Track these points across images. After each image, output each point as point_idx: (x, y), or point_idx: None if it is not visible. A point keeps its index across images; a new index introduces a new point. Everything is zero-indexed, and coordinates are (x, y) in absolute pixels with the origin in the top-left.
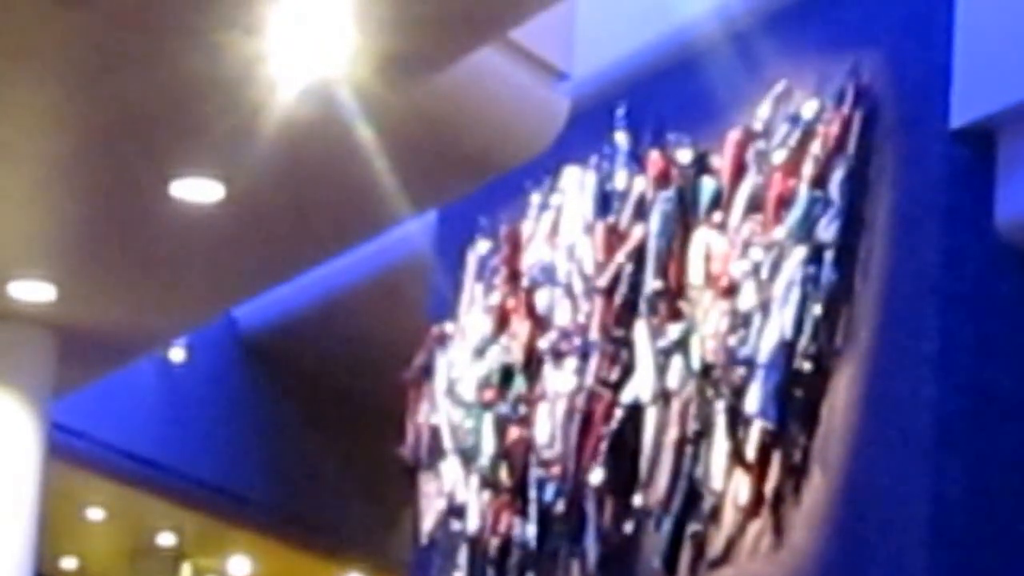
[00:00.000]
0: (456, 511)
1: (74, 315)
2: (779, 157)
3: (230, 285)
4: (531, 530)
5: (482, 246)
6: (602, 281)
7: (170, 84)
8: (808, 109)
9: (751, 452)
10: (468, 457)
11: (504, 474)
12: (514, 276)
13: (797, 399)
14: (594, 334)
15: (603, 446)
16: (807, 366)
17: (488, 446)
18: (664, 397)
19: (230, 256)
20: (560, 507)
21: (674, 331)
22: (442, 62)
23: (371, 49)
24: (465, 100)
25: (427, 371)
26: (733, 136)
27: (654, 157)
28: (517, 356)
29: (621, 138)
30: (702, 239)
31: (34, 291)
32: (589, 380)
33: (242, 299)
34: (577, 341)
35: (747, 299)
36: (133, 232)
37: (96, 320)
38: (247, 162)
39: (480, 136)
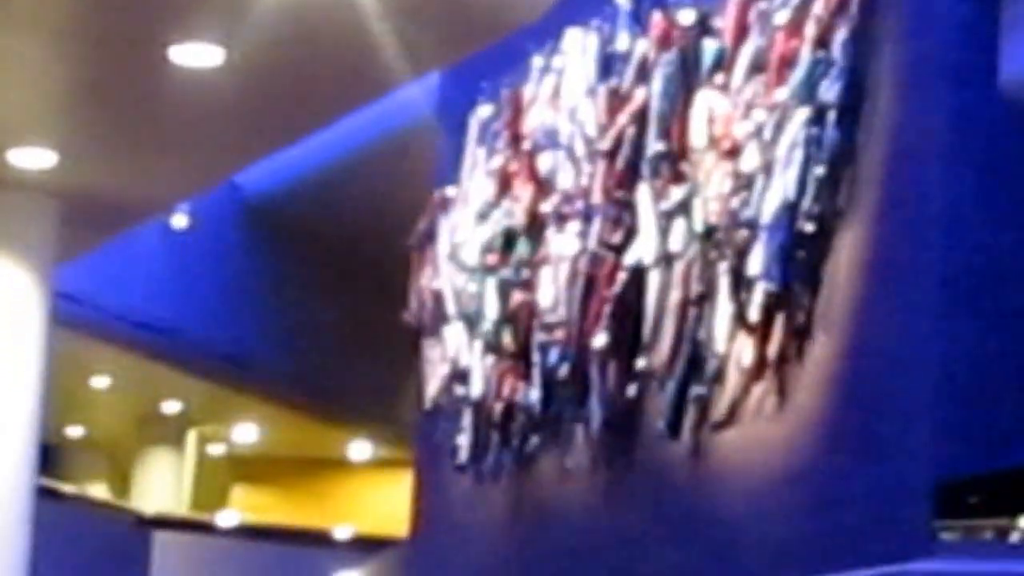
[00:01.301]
0: (460, 376)
1: (75, 181)
2: (782, 17)
3: (231, 150)
4: (535, 394)
5: (484, 110)
6: (605, 144)
7: None
8: None
9: (754, 314)
10: (471, 322)
11: (508, 339)
12: (516, 140)
13: (800, 260)
14: (597, 197)
15: (606, 309)
16: (810, 227)
17: (491, 311)
18: (667, 260)
19: (230, 121)
20: (564, 371)
21: (677, 193)
22: None
23: None
24: None
25: (430, 236)
26: None
27: (656, 19)
28: (520, 220)
29: (623, 0)
30: (704, 101)
31: (35, 158)
32: (592, 243)
33: (243, 165)
34: (580, 204)
35: (750, 161)
36: (133, 98)
37: (97, 186)
38: (246, 25)
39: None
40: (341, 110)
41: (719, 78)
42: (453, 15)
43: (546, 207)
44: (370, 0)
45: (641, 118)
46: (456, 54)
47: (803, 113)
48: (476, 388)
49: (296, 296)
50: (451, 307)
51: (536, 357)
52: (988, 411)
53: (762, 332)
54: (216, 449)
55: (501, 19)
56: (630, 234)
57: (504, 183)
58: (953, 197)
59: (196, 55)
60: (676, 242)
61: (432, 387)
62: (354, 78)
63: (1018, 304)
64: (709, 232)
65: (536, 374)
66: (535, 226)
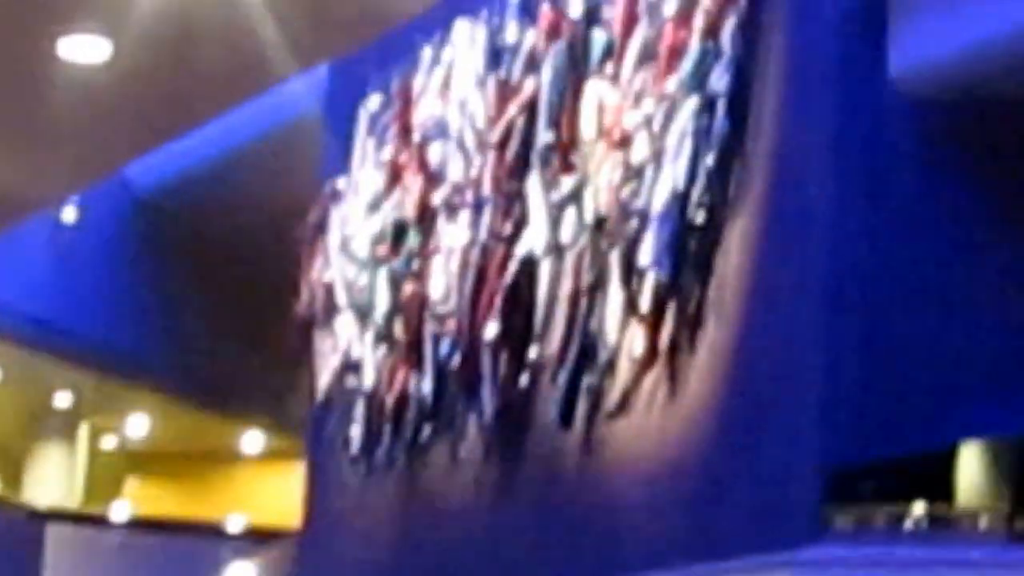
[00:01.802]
0: (352, 367)
1: None
2: (671, 8)
3: (118, 145)
4: (427, 385)
5: (373, 101)
6: (494, 135)
7: None
8: None
9: (645, 304)
10: (363, 313)
11: (399, 329)
12: (406, 131)
13: (691, 250)
14: (487, 188)
15: (497, 300)
16: (700, 217)
17: (382, 302)
18: (558, 250)
19: (117, 116)
20: (455, 362)
21: (567, 184)
22: None
23: None
24: None
25: (321, 228)
26: None
27: (545, 10)
28: (410, 211)
29: None
30: (594, 91)
31: None
32: (483, 234)
33: (130, 159)
34: (470, 195)
35: (640, 151)
36: (19, 92)
37: None
38: (133, 17)
39: None
40: (228, 104)
41: (608, 69)
42: (339, 7)
43: (436, 198)
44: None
45: (531, 109)
46: (343, 46)
47: (692, 103)
48: (368, 379)
49: (187, 289)
50: (342, 299)
51: (428, 348)
52: (877, 398)
53: (653, 322)
54: (108, 442)
55: (388, 11)
56: (521, 225)
57: (394, 175)
58: (841, 186)
59: (84, 49)
60: (567, 232)
61: (324, 379)
62: (240, 72)
63: (905, 290)
64: (600, 222)
65: (428, 365)
66: (426, 217)
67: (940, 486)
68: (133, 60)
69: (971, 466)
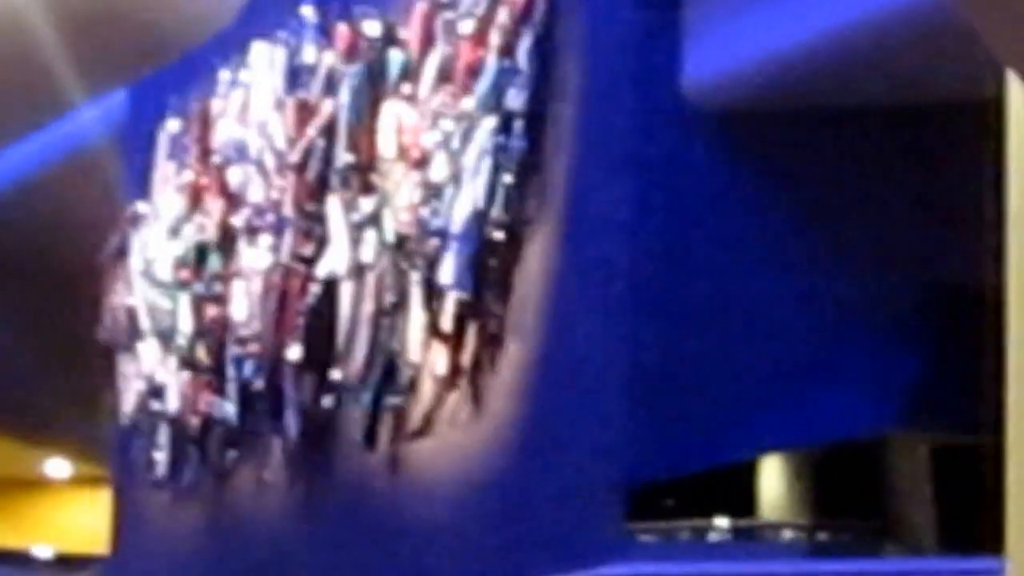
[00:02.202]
0: (155, 391)
1: None
2: (467, 27)
3: None
4: (231, 408)
5: (173, 125)
6: (294, 157)
7: None
8: None
9: (447, 323)
10: (166, 337)
11: (202, 353)
12: (206, 154)
13: (491, 269)
14: (288, 210)
15: (300, 321)
16: (500, 236)
17: (185, 325)
18: (359, 271)
19: None
20: (259, 384)
21: (367, 204)
22: None
23: None
24: None
25: (122, 252)
26: (420, 7)
27: (342, 30)
28: (211, 234)
29: (308, 12)
30: (392, 111)
31: None
32: (284, 256)
33: None
34: (271, 217)
35: (439, 170)
36: None
37: None
38: None
39: (156, 17)
40: (22, 130)
41: (406, 88)
42: (129, 35)
43: (237, 221)
44: (45, 18)
45: (330, 130)
46: (136, 72)
47: (490, 122)
48: (172, 403)
49: None
50: (145, 323)
51: (231, 371)
52: (678, 413)
53: (455, 341)
54: None
55: (179, 36)
56: (321, 246)
57: (195, 197)
58: (638, 202)
59: None
60: (367, 253)
61: (128, 403)
62: (35, 97)
63: (704, 306)
64: (400, 242)
65: (231, 388)
66: (227, 240)
67: (742, 500)
68: None
69: (772, 479)
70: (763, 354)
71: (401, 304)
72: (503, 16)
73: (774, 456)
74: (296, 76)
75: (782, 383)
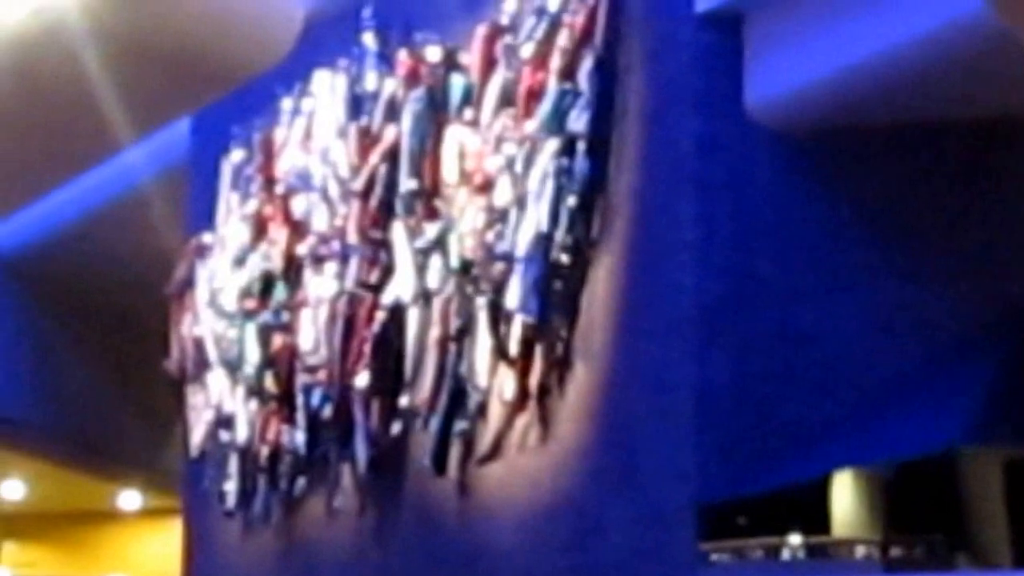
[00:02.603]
0: (224, 421)
1: None
2: (527, 51)
3: None
4: (300, 437)
5: (236, 155)
6: (357, 184)
7: None
8: (554, 1)
9: (514, 347)
10: (233, 367)
11: (270, 382)
12: (270, 183)
13: (557, 292)
14: (352, 237)
15: (367, 349)
16: (565, 258)
17: (253, 355)
18: (425, 297)
19: None
20: (328, 412)
21: (431, 230)
22: None
23: None
24: (195, 15)
25: (188, 283)
26: (481, 32)
27: (403, 57)
28: (277, 263)
29: (369, 40)
30: (455, 137)
31: None
32: (350, 283)
33: None
34: (336, 245)
35: (502, 194)
36: None
37: None
38: None
39: (213, 50)
40: (83, 165)
41: (468, 113)
42: (190, 66)
43: (302, 249)
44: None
45: (393, 156)
46: (198, 103)
47: (553, 144)
48: (241, 433)
49: (57, 350)
50: (212, 353)
51: (299, 399)
52: (749, 432)
53: (522, 365)
54: None
55: (240, 67)
56: (387, 273)
57: (259, 227)
58: (704, 222)
59: None
60: (433, 279)
61: (197, 434)
62: (96, 132)
63: (772, 325)
64: (465, 267)
65: (300, 416)
66: (292, 269)
67: (815, 517)
68: None
69: (844, 496)
70: (833, 372)
71: (468, 329)
72: (564, 39)
73: (846, 473)
74: (358, 103)
75: (853, 401)
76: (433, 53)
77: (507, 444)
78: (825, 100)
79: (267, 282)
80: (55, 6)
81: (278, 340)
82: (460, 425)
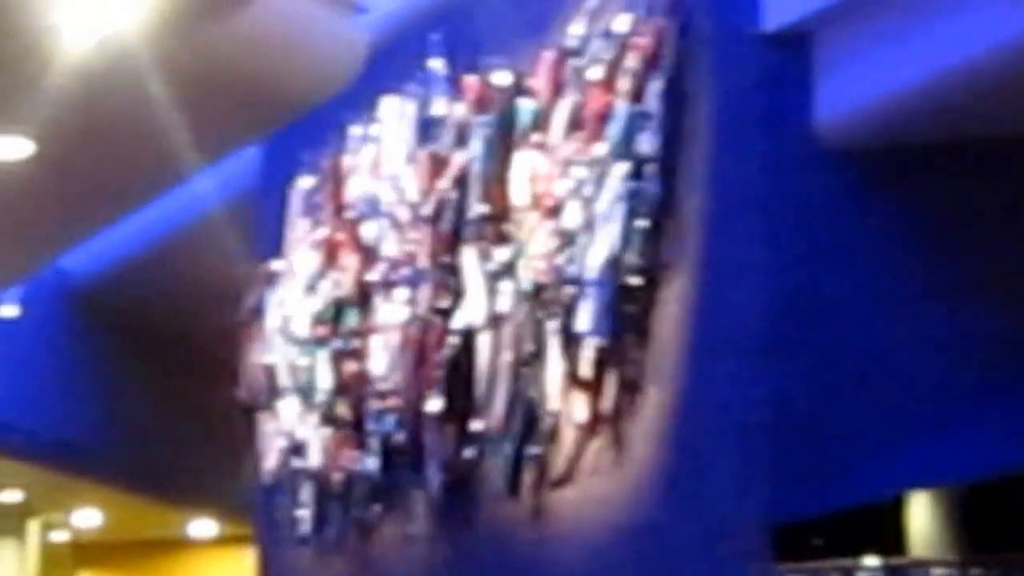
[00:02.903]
0: (297, 449)
1: None
2: (595, 73)
3: (48, 238)
4: (373, 462)
5: (306, 181)
6: (427, 209)
7: None
8: (621, 23)
9: (586, 370)
10: (305, 394)
11: (342, 409)
12: (339, 210)
13: (628, 314)
14: (423, 263)
15: (439, 374)
16: (636, 281)
17: (324, 382)
18: (496, 321)
19: (44, 210)
20: (400, 437)
21: (502, 254)
22: (233, 8)
23: None
24: (259, 41)
25: (259, 311)
26: (548, 55)
27: (471, 81)
28: (348, 290)
29: (437, 65)
30: (524, 160)
31: None
32: (420, 309)
33: (61, 251)
34: (406, 271)
35: (572, 218)
36: None
37: None
38: (51, 116)
39: (277, 77)
40: (154, 192)
41: (537, 137)
42: (257, 93)
43: (373, 276)
44: (166, 87)
45: (462, 181)
46: (267, 130)
47: (622, 167)
48: (314, 460)
49: (131, 378)
50: (284, 381)
51: (372, 425)
52: (823, 451)
53: (594, 387)
54: (59, 536)
55: (307, 93)
56: (458, 298)
57: (330, 254)
58: (770, 242)
59: (6, 148)
60: (504, 303)
61: (270, 461)
62: (164, 161)
63: (841, 344)
64: (536, 291)
65: (373, 442)
66: (363, 295)
67: (892, 537)
68: (56, 155)
69: (921, 515)
70: (906, 390)
71: (539, 353)
72: (632, 61)
73: (922, 492)
74: (427, 129)
75: (927, 419)
76: (501, 77)
77: (580, 467)
78: (892, 118)
79: (338, 309)
80: (120, 37)
81: (350, 366)
82: (533, 449)
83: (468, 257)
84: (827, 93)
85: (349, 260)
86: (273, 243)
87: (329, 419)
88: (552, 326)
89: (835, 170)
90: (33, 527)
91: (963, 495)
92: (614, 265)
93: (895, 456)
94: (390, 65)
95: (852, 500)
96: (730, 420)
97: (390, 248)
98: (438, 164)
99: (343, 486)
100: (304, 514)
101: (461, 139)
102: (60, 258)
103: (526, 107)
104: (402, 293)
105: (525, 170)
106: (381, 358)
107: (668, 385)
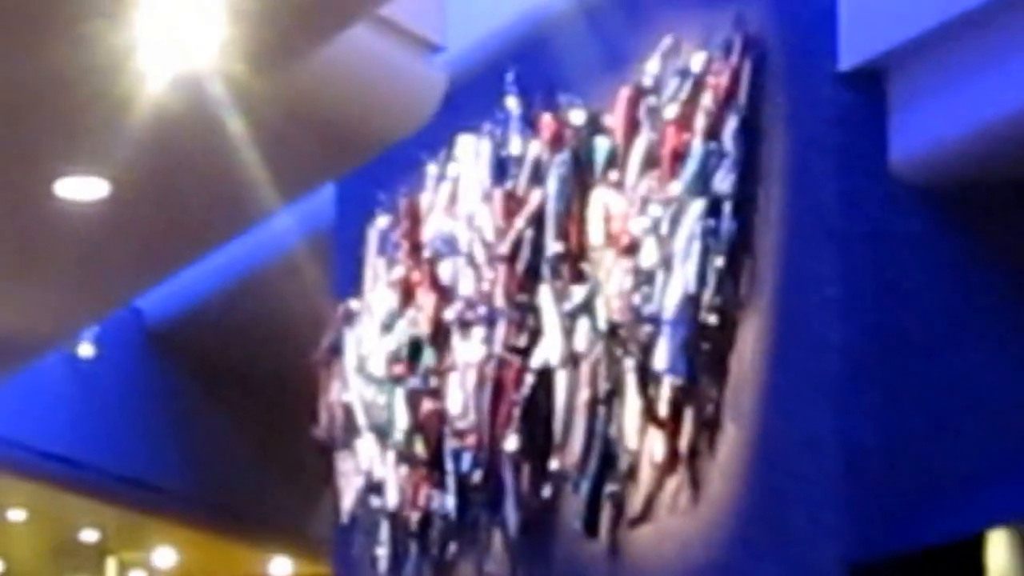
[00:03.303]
0: (374, 487)
1: None
2: (671, 112)
3: (124, 278)
4: (450, 501)
5: (382, 220)
6: (503, 248)
7: (39, 79)
8: (697, 61)
9: (663, 409)
10: (382, 433)
11: (419, 447)
12: (416, 248)
13: (705, 352)
14: (499, 301)
15: (516, 412)
16: (713, 319)
17: (402, 420)
18: (573, 359)
19: (119, 251)
20: (477, 476)
21: (578, 293)
22: (310, 47)
23: (239, 38)
24: (336, 81)
25: (336, 349)
26: (624, 94)
27: (547, 120)
28: (424, 328)
29: (512, 103)
30: (600, 199)
31: None
32: (497, 348)
33: (137, 291)
34: (483, 309)
35: (649, 256)
36: (21, 231)
37: None
38: (126, 157)
39: (354, 116)
40: (230, 233)
41: (613, 175)
42: (333, 131)
43: (449, 314)
44: (242, 127)
45: (538, 220)
46: (342, 168)
47: (698, 205)
48: (391, 499)
49: (206, 417)
50: (361, 419)
51: (449, 464)
52: (899, 488)
53: (672, 426)
54: (136, 575)
55: (383, 132)
56: (535, 336)
57: (406, 293)
58: (847, 279)
59: (81, 188)
60: (581, 341)
61: (347, 500)
62: (236, 202)
63: (919, 381)
64: (613, 329)
65: (450, 481)
66: (440, 334)
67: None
68: (131, 196)
69: (1000, 554)
70: (984, 426)
71: (616, 391)
72: (707, 99)
73: (1002, 530)
74: (503, 167)
75: (1006, 455)
76: (577, 116)
77: (658, 506)
78: (968, 155)
79: (415, 347)
80: (198, 76)
81: (427, 405)
82: (610, 487)
83: (544, 295)
84: (903, 130)
85: (425, 299)
86: (350, 281)
87: (406, 458)
88: (629, 364)
89: (912, 207)
90: (111, 566)
91: None
92: (691, 303)
93: (975, 494)
94: (466, 103)
95: (932, 539)
96: (808, 459)
97: (467, 287)
98: (514, 203)
99: (420, 525)
100: (382, 553)
101: (537, 177)
102: (136, 298)
103: (602, 145)
104: (479, 332)
105: (601, 208)
106: (458, 397)
107: (746, 423)
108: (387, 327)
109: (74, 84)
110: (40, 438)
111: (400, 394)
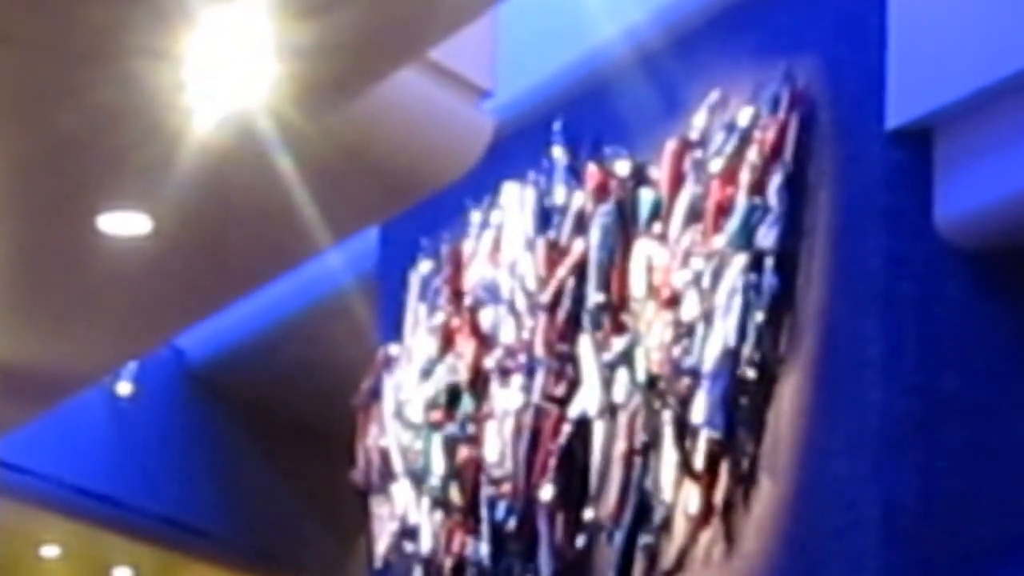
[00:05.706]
0: (409, 533)
1: (7, 353)
2: (716, 165)
3: (164, 316)
4: (484, 549)
5: (424, 266)
6: (545, 297)
7: (87, 115)
8: (744, 116)
9: (699, 462)
10: (419, 479)
11: (455, 494)
12: (457, 295)
13: (743, 407)
14: (539, 350)
15: (552, 462)
16: (752, 374)
17: (438, 467)
18: (611, 410)
19: (161, 288)
20: (512, 524)
21: (618, 344)
22: (360, 88)
23: (289, 77)
24: (385, 123)
25: (375, 394)
26: (670, 146)
27: (592, 170)
28: (463, 375)
29: (559, 153)
30: (643, 250)
31: None
32: (536, 396)
33: (177, 329)
34: (522, 358)
35: (690, 309)
36: (63, 268)
37: (30, 357)
38: (171, 194)
39: (402, 159)
40: (272, 273)
41: (656, 227)
42: (378, 176)
43: (489, 362)
44: (290, 167)
45: (580, 270)
46: (386, 213)
47: (741, 260)
48: (425, 544)
49: (243, 458)
50: (398, 465)
51: (484, 511)
52: (933, 553)
53: (708, 479)
54: None
55: (428, 178)
56: (573, 386)
57: (447, 339)
58: (890, 340)
59: (125, 224)
60: (619, 393)
61: (382, 545)
62: (281, 242)
63: (959, 443)
64: (652, 381)
65: (485, 528)
66: (479, 381)
67: None
68: (174, 234)
69: None
70: (1021, 491)
71: (653, 443)
72: (753, 155)
73: None
74: (546, 216)
75: None
76: (622, 167)
77: (691, 558)
78: (1014, 217)
79: (453, 394)
80: (245, 116)
81: (464, 452)
82: (645, 539)
83: (584, 346)
84: (949, 190)
85: (465, 346)
86: (391, 327)
87: (441, 504)
88: (667, 417)
89: (956, 268)
90: None
91: None
92: (731, 358)
93: (1012, 558)
94: (512, 151)
95: None
96: (844, 517)
97: (507, 335)
98: (557, 252)
99: (454, 572)
100: None
101: (580, 227)
102: (176, 336)
103: (646, 197)
104: (518, 380)
105: (644, 260)
106: (495, 444)
107: (781, 480)
108: (426, 373)
109: (122, 121)
110: (78, 475)
111: (437, 440)
